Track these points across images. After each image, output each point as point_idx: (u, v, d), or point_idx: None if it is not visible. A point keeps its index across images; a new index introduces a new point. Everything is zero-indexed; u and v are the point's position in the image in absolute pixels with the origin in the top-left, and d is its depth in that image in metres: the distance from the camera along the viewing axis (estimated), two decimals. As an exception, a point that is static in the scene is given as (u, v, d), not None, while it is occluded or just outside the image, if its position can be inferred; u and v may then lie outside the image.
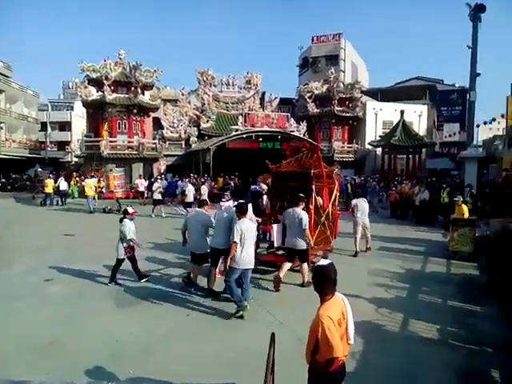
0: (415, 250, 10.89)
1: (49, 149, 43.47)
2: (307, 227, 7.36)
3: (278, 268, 7.86)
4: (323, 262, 2.96)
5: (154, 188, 17.73)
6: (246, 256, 6.11)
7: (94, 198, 18.67)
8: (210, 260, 7.17)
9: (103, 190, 23.90)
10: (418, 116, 35.54)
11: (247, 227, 6.15)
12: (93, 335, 5.40)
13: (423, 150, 30.83)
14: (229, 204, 7.95)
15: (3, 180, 32.05)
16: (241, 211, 6.29)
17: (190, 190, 16.57)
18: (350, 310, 2.99)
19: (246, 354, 4.81)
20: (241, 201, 6.92)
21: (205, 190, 17.93)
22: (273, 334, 3.16)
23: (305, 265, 7.58)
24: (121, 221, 7.51)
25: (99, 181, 23.10)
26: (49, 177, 21.96)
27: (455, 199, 10.90)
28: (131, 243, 7.49)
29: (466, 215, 10.24)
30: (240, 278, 6.22)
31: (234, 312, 6.08)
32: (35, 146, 41.73)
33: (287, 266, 7.56)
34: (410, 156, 29.77)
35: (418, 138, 28.59)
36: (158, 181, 19.12)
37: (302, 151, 9.49)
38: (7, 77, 37.78)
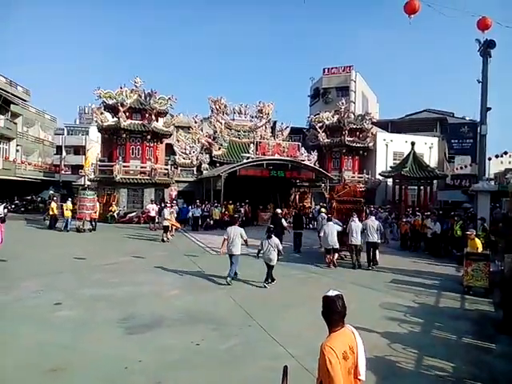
0: (428, 283, 10.71)
1: (63, 172, 44.21)
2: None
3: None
4: (332, 292, 2.92)
5: (165, 215, 17.75)
6: (233, 246, 10.07)
7: (70, 218, 20.08)
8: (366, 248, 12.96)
9: (115, 214, 24.20)
10: (428, 148, 35.64)
11: (233, 231, 10.26)
12: (101, 361, 5.35)
13: (434, 181, 30.73)
14: (373, 217, 13.39)
15: (17, 202, 32.53)
16: (231, 223, 11.49)
17: (154, 209, 21.50)
18: (361, 345, 2.92)
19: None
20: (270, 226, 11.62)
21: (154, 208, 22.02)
22: (285, 367, 3.10)
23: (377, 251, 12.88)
24: (269, 237, 9.98)
25: (111, 205, 23.72)
26: (53, 200, 22.04)
27: (468, 233, 10.76)
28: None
29: (480, 249, 10.09)
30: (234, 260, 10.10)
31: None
32: (50, 169, 42.55)
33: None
34: (422, 187, 29.66)
35: (429, 170, 28.54)
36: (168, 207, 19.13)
37: (346, 187, 15.93)
38: (25, 101, 38.95)
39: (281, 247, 10.23)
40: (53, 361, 5.29)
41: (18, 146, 36.41)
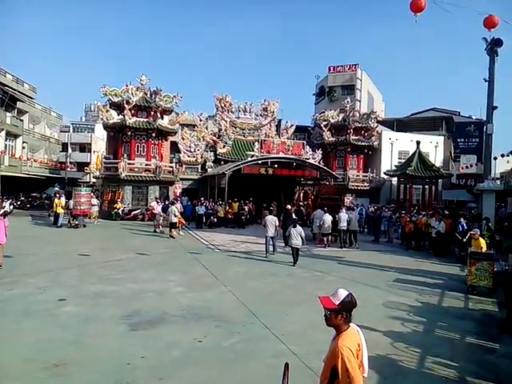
0: (432, 282, 10.68)
1: (69, 169, 44.42)
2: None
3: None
4: (343, 292, 2.86)
5: (171, 211, 17.73)
6: (270, 231, 13.48)
7: (64, 215, 20.56)
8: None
9: (119, 211, 24.30)
10: (434, 147, 35.42)
11: (269, 219, 13.72)
12: (104, 357, 5.38)
13: (439, 180, 30.59)
14: (353, 211, 18.42)
15: (22, 198, 32.75)
16: (269, 212, 15.35)
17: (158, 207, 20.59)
18: (364, 342, 2.94)
19: (259, 384, 4.74)
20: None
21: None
22: (286, 364, 3.11)
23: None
24: (294, 226, 12.49)
25: (116, 202, 23.94)
26: (55, 197, 21.80)
27: (472, 232, 10.74)
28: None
29: (484, 249, 10.06)
30: (271, 240, 13.68)
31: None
32: (55, 166, 42.81)
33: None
34: (427, 186, 29.54)
35: (434, 169, 28.40)
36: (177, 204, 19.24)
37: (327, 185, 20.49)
38: (32, 98, 39.15)
39: (303, 235, 12.42)
40: (56, 356, 5.32)
41: (24, 143, 36.64)
